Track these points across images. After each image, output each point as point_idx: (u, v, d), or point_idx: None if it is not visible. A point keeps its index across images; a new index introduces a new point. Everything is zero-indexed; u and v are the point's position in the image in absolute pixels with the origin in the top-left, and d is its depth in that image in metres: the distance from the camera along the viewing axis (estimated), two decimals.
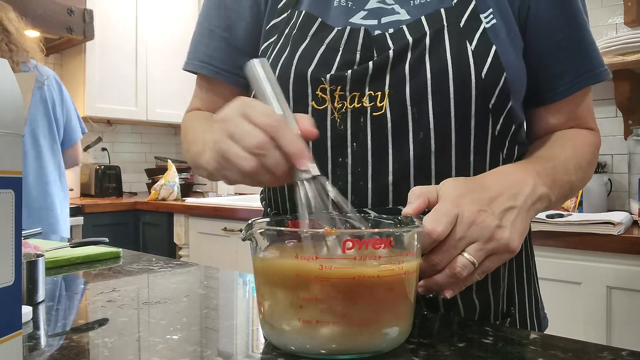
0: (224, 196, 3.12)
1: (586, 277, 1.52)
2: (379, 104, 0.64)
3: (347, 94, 0.64)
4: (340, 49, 0.66)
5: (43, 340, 0.52)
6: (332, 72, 0.65)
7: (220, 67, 0.78)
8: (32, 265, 0.65)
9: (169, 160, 3.09)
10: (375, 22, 0.68)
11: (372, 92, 0.64)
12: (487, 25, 0.65)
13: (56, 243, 1.02)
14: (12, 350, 0.34)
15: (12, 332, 0.34)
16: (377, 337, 0.45)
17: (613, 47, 1.78)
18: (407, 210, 0.54)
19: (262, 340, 0.52)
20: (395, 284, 0.45)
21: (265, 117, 0.49)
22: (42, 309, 0.63)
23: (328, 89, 0.65)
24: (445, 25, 0.64)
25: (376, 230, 0.53)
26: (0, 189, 0.33)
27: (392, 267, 0.44)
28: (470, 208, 0.53)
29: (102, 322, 0.58)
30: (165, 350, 0.48)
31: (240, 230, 0.49)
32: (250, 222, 0.48)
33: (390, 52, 0.64)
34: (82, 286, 0.76)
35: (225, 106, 0.53)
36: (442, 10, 0.65)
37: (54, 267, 0.87)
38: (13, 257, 0.34)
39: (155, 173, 3.18)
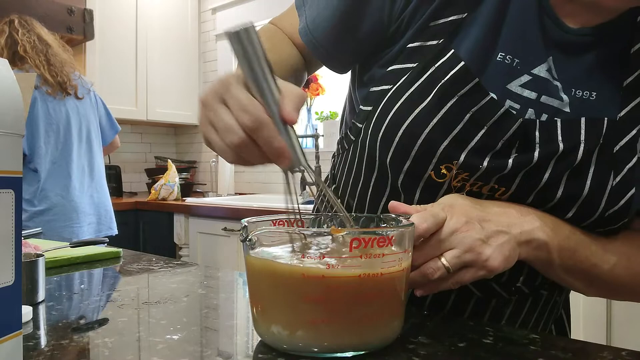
0: (224, 196, 3.12)
1: None
2: (496, 196, 0.61)
3: (472, 180, 0.60)
4: (485, 127, 0.57)
5: (43, 340, 0.52)
6: (466, 153, 0.58)
7: (318, 39, 0.67)
8: (32, 265, 0.65)
9: (169, 160, 3.08)
10: (534, 95, 0.59)
11: (495, 185, 0.60)
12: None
13: (56, 243, 1.02)
14: (12, 350, 0.34)
15: (12, 332, 0.34)
16: (377, 333, 0.46)
17: None
18: (397, 206, 0.55)
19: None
20: (395, 280, 0.46)
21: (243, 113, 0.46)
22: (42, 309, 0.63)
23: (454, 170, 0.59)
24: (601, 142, 0.58)
25: (380, 228, 0.53)
26: (0, 189, 0.33)
27: (394, 264, 0.45)
28: (459, 217, 0.54)
29: (102, 322, 0.58)
30: (165, 350, 0.48)
31: (240, 231, 0.49)
32: (245, 222, 0.48)
33: (535, 155, 0.57)
34: (82, 286, 0.76)
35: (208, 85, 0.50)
36: (606, 121, 0.58)
37: (54, 267, 0.87)
38: (13, 257, 0.34)
39: (155, 173, 3.18)
